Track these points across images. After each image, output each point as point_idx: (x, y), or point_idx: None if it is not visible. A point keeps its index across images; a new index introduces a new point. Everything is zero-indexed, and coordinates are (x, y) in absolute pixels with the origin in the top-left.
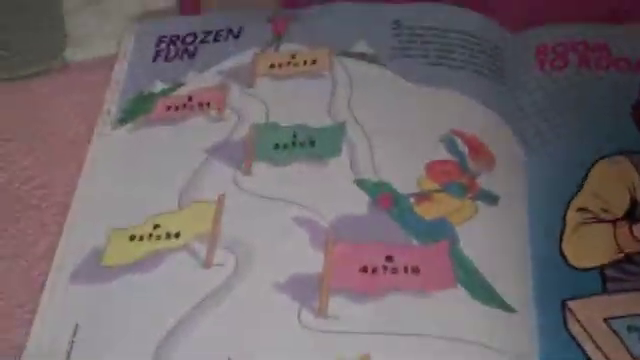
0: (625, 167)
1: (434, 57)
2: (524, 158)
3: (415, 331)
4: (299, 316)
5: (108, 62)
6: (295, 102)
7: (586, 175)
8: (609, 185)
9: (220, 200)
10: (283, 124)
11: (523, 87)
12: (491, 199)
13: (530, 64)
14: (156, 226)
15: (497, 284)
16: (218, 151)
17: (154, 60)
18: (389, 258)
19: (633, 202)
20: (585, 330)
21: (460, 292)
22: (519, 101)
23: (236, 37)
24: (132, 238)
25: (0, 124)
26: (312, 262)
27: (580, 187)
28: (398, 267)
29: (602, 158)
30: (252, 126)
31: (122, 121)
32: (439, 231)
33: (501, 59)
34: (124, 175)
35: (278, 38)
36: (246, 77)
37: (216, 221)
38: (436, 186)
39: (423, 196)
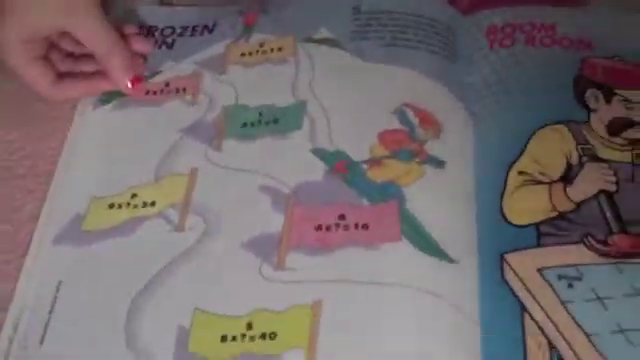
0: (563, 134)
1: (390, 38)
2: (472, 128)
3: (364, 279)
4: (260, 269)
5: None
6: (262, 86)
7: (527, 141)
8: (547, 150)
9: (192, 173)
10: (251, 105)
11: (474, 64)
12: (437, 163)
13: (481, 43)
14: (133, 195)
15: (441, 238)
16: (192, 130)
17: None
18: (342, 217)
19: (569, 166)
20: (520, 279)
21: (405, 244)
22: (470, 77)
23: (210, 31)
24: (111, 206)
25: None
26: (274, 224)
27: (521, 153)
28: (349, 224)
29: (543, 127)
30: (223, 108)
31: (102, 102)
32: (388, 192)
33: (453, 39)
34: (105, 149)
35: (249, 29)
36: (219, 65)
37: (188, 191)
38: (387, 153)
39: (374, 161)
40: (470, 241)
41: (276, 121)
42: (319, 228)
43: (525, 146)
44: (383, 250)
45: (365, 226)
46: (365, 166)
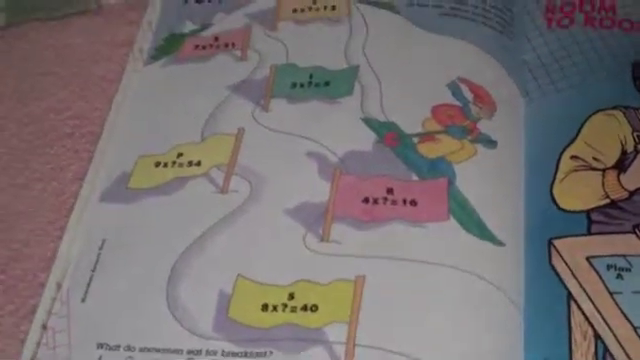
0: (619, 120)
1: (447, 8)
2: (524, 108)
3: (408, 257)
4: (304, 239)
5: (139, 4)
6: (314, 45)
7: (582, 126)
8: (602, 136)
9: (239, 134)
10: (301, 65)
11: (530, 42)
12: (490, 143)
13: (538, 21)
14: (179, 154)
15: (489, 220)
16: (239, 88)
17: (185, 2)
18: (390, 191)
19: (623, 153)
20: (568, 266)
21: (453, 224)
22: (524, 55)
23: None
24: (157, 164)
25: (37, 60)
26: (319, 192)
27: (575, 137)
28: (397, 199)
29: (598, 111)
30: (272, 66)
31: (154, 58)
32: (438, 169)
33: (511, 14)
34: (152, 108)
35: None
36: (269, 20)
37: (234, 152)
38: (439, 127)
39: (426, 136)
40: (518, 224)
41: (327, 84)
42: (366, 200)
43: (579, 130)
44: (430, 229)
45: (413, 202)
46: (416, 139)
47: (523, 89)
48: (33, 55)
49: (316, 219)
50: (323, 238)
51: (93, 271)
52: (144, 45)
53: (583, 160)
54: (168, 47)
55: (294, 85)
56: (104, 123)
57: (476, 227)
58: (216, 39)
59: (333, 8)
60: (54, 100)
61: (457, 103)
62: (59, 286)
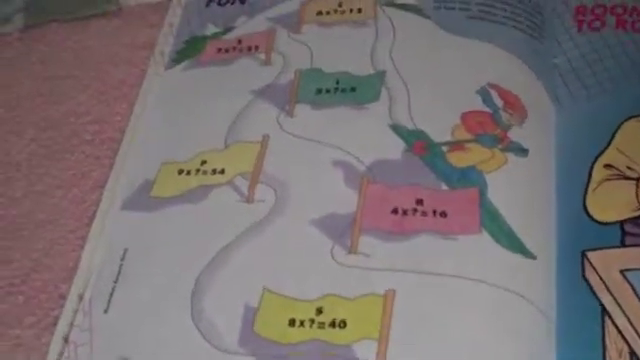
0: None
1: (476, 11)
2: (555, 115)
3: (439, 271)
4: (332, 251)
5: (160, 7)
6: (339, 49)
7: (614, 133)
8: (636, 143)
9: (264, 140)
10: (327, 70)
11: (560, 46)
12: (521, 151)
13: (568, 24)
14: (203, 162)
15: (521, 231)
16: (263, 93)
17: (207, 5)
18: (419, 201)
19: None
20: (601, 279)
21: (484, 237)
22: (555, 59)
23: None
24: (180, 172)
25: (57, 63)
26: (346, 202)
27: (608, 145)
28: (427, 210)
29: (631, 118)
30: (297, 71)
31: (175, 61)
32: (469, 179)
33: (541, 17)
34: (175, 113)
35: None
36: (294, 23)
37: (259, 160)
38: (469, 136)
39: (456, 145)
40: (549, 236)
41: (353, 89)
42: (395, 211)
43: (612, 138)
44: (461, 241)
45: (443, 213)
46: (445, 148)
47: (553, 95)
48: (52, 57)
49: (343, 230)
50: (351, 250)
51: (115, 282)
52: (165, 48)
53: (616, 169)
54: (190, 50)
55: (319, 91)
56: (125, 128)
57: (507, 239)
58: (239, 42)
59: (359, 11)
60: (74, 104)
61: (487, 109)
62: (81, 297)
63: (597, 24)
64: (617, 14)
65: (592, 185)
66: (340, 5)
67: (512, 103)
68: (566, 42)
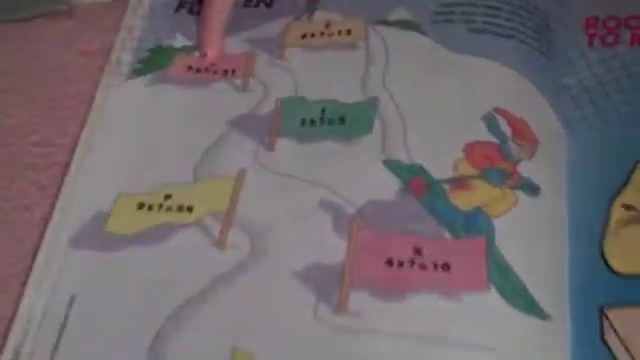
0: None
1: (479, 22)
2: (567, 144)
3: (441, 336)
4: (315, 310)
5: (117, 6)
6: (326, 75)
7: (634, 168)
8: None
9: (240, 176)
10: (312, 98)
11: (570, 64)
12: (532, 190)
13: (579, 38)
14: (168, 196)
15: (533, 287)
16: (240, 123)
17: (176, 10)
18: (418, 251)
19: None
20: (622, 342)
21: (493, 295)
22: (565, 79)
23: (268, 5)
24: (141, 206)
25: None
26: (334, 250)
27: (626, 181)
28: (427, 263)
29: None
30: (278, 99)
31: (137, 73)
32: (475, 224)
33: (549, 29)
34: (136, 134)
35: (313, 5)
36: (276, 47)
37: (234, 198)
38: (474, 171)
39: (459, 183)
40: (564, 289)
41: (342, 120)
42: (390, 263)
43: (630, 173)
44: (466, 302)
45: (445, 266)
46: (447, 187)
47: (565, 120)
48: None
49: (330, 284)
50: (339, 309)
51: (60, 334)
52: (123, 55)
53: (637, 210)
54: (155, 61)
55: (303, 122)
56: (75, 150)
57: (519, 297)
58: (212, 63)
59: (348, 32)
60: (16, 122)
61: (494, 139)
62: (18, 353)
63: (610, 39)
64: (632, 27)
65: (610, 229)
66: (327, 26)
67: (521, 131)
68: (577, 59)
